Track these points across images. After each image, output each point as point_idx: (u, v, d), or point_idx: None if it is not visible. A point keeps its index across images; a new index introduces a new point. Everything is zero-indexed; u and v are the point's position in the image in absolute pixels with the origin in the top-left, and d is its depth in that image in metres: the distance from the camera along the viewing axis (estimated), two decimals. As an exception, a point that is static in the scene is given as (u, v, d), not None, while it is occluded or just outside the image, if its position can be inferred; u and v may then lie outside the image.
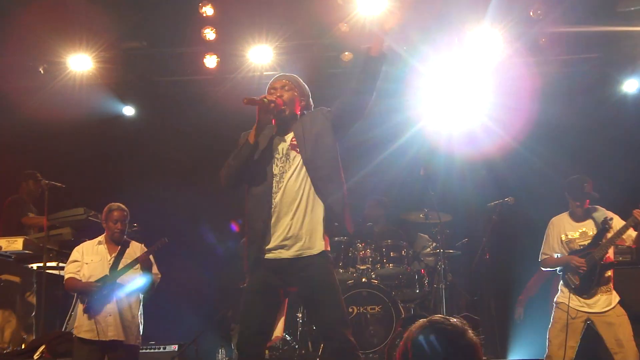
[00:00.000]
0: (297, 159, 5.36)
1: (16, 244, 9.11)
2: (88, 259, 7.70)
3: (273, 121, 5.53)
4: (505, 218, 8.89)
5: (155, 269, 7.85)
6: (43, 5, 9.58)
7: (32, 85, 10.97)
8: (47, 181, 9.32)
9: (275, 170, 5.37)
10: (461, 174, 10.83)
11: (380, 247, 9.85)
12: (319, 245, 5.31)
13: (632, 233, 7.63)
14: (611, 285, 7.71)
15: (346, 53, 10.71)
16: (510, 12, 9.91)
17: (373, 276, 9.62)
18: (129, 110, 12.31)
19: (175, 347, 9.15)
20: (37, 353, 8.65)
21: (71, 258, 7.81)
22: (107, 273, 7.58)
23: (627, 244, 7.84)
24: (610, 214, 7.85)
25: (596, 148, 10.64)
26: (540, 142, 10.54)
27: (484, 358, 2.92)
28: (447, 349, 2.85)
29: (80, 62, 10.74)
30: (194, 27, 10.35)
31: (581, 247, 7.83)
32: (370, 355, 8.81)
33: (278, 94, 5.45)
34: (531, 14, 9.84)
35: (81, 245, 7.96)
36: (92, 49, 10.63)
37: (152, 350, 9.13)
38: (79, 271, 7.63)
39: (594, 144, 10.62)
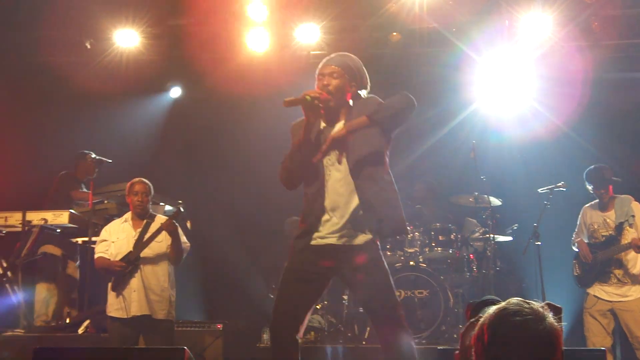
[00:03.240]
0: (346, 154, 5.26)
1: (62, 217, 9.11)
2: (114, 237, 7.72)
3: (322, 111, 5.31)
4: (556, 204, 8.77)
5: (183, 238, 7.79)
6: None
7: (79, 60, 10.91)
8: (94, 155, 9.32)
9: (326, 162, 5.27)
10: (511, 159, 10.70)
11: (429, 230, 9.77)
12: (368, 236, 5.24)
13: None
14: (633, 278, 7.91)
15: (394, 34, 10.58)
16: (561, -5, 9.79)
17: (421, 260, 9.54)
18: (175, 92, 12.30)
19: (219, 326, 9.09)
20: (82, 327, 8.69)
21: (100, 238, 7.85)
22: (131, 249, 7.58)
23: None
24: (636, 206, 7.97)
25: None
26: (592, 127, 10.42)
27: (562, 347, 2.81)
28: (525, 333, 2.75)
29: (126, 38, 10.68)
30: (242, 3, 10.24)
31: (603, 238, 8.08)
32: (417, 340, 8.74)
33: (325, 82, 5.29)
34: (584, -4, 9.69)
35: (109, 224, 8.00)
36: (138, 25, 10.57)
37: (196, 329, 9.09)
38: (107, 250, 7.66)
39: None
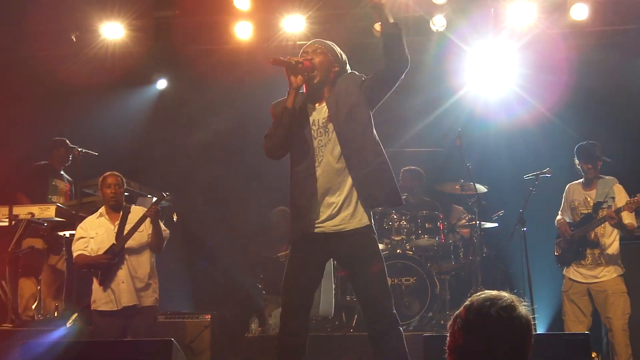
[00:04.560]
0: (333, 131, 5.32)
1: (49, 211, 9.06)
2: (92, 233, 7.74)
3: (305, 89, 5.44)
4: (542, 190, 8.81)
5: (163, 226, 7.83)
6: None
7: (65, 53, 10.92)
8: (80, 149, 9.31)
9: (315, 143, 5.33)
10: (497, 146, 10.75)
11: (416, 218, 9.82)
12: (364, 218, 5.31)
13: (626, 216, 7.75)
14: (609, 259, 7.93)
15: (379, 23, 10.57)
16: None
17: (408, 247, 9.60)
18: (161, 84, 12.29)
19: (208, 317, 9.13)
20: (70, 321, 8.67)
21: (76, 236, 7.85)
22: (114, 242, 7.60)
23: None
24: (618, 189, 7.98)
25: (633, 120, 10.56)
26: (577, 114, 10.44)
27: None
28: (498, 322, 2.81)
29: (112, 30, 10.69)
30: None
31: (581, 216, 8.13)
32: (405, 327, 8.79)
33: (309, 57, 5.37)
34: (569, -17, 9.72)
35: (83, 221, 8.01)
36: (124, 17, 10.57)
37: (184, 320, 9.12)
38: (86, 247, 7.68)
39: (631, 115, 10.54)
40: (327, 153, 5.29)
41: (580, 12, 9.94)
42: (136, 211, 7.87)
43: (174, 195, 9.41)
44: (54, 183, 10.01)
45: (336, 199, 5.28)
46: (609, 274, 7.86)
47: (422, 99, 10.78)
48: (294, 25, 10.52)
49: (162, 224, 7.86)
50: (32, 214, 8.99)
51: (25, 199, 9.60)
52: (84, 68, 10.89)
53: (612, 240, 7.93)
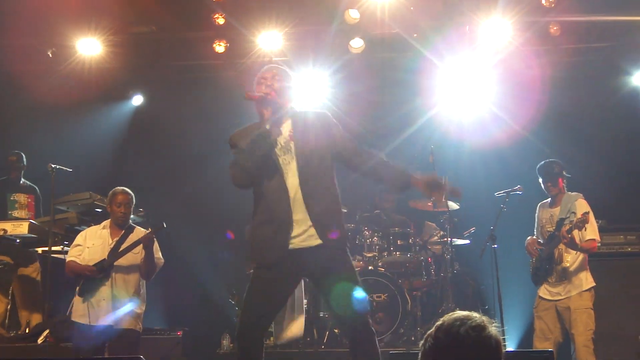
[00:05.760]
0: (294, 151, 5.39)
1: (21, 227, 9.10)
2: (90, 243, 7.68)
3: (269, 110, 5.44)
4: (513, 207, 8.84)
5: (158, 254, 7.77)
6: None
7: (41, 68, 10.92)
8: (54, 165, 9.32)
9: (280, 161, 5.37)
10: (470, 163, 10.78)
11: (388, 234, 9.90)
12: (333, 234, 5.33)
13: (576, 234, 7.78)
14: (572, 276, 7.94)
15: (355, 39, 10.62)
16: (521, 1, 9.86)
17: (380, 264, 9.67)
18: (137, 100, 12.34)
19: (179, 333, 9.14)
20: (41, 337, 8.66)
21: (75, 242, 7.80)
22: (106, 257, 7.53)
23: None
24: (580, 204, 7.99)
25: (605, 138, 10.63)
26: (549, 131, 10.51)
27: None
28: (468, 341, 2.84)
29: (89, 46, 10.70)
30: (204, 11, 10.30)
31: (547, 234, 8.16)
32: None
33: (269, 83, 5.43)
34: (543, 2, 9.77)
35: (86, 229, 7.98)
36: (101, 33, 10.60)
37: (156, 336, 9.13)
38: (80, 255, 7.61)
39: (603, 133, 10.61)
40: (292, 171, 5.34)
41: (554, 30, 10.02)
42: (138, 233, 7.78)
43: (150, 210, 9.46)
44: (12, 198, 9.98)
45: (304, 216, 5.30)
46: (572, 290, 7.88)
47: (396, 116, 10.81)
48: (271, 41, 10.55)
49: (159, 252, 7.81)
50: (5, 231, 9.01)
51: None
52: (59, 83, 10.92)
53: (575, 257, 7.96)
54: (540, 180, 8.28)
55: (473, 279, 10.38)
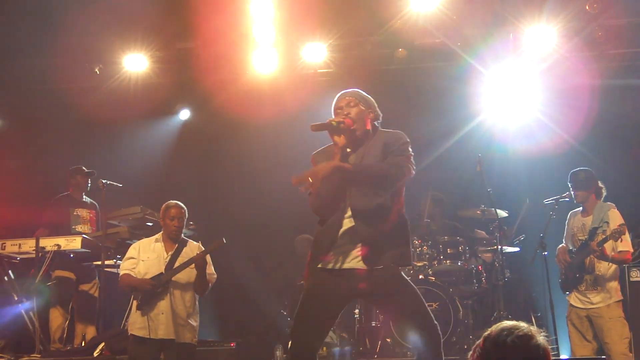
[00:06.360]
0: None
1: (74, 242, 9.21)
2: (144, 256, 7.68)
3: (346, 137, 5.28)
4: (562, 214, 8.81)
5: (211, 269, 7.76)
6: (99, 5, 9.71)
7: (89, 85, 11.11)
8: (104, 180, 9.43)
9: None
10: (517, 171, 10.72)
11: (437, 243, 9.87)
12: (391, 259, 5.19)
13: (610, 244, 7.78)
14: (604, 285, 7.93)
15: (400, 50, 10.66)
16: (565, 8, 9.83)
17: (430, 273, 9.62)
18: (184, 114, 12.49)
19: (233, 345, 9.17)
20: (97, 350, 8.74)
21: (127, 255, 7.80)
22: (163, 271, 7.55)
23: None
24: (613, 214, 7.98)
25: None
26: (598, 138, 10.41)
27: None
28: (517, 350, 2.85)
29: (135, 62, 10.87)
30: (248, 26, 10.34)
31: (579, 243, 8.17)
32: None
33: (345, 113, 5.32)
34: (587, 8, 9.73)
35: (138, 242, 7.97)
36: (147, 49, 10.75)
37: (210, 348, 9.16)
38: (134, 268, 7.61)
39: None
40: (350, 192, 5.24)
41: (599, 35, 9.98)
42: (192, 247, 7.82)
43: (200, 224, 9.53)
44: (75, 213, 10.14)
45: (356, 236, 5.16)
46: (604, 301, 7.86)
47: (442, 124, 10.81)
48: (315, 54, 10.62)
49: (212, 267, 7.80)
50: (59, 246, 9.15)
51: (46, 234, 9.72)
52: (107, 100, 11.07)
53: (608, 267, 7.93)
54: (571, 187, 8.30)
55: (524, 286, 10.37)
